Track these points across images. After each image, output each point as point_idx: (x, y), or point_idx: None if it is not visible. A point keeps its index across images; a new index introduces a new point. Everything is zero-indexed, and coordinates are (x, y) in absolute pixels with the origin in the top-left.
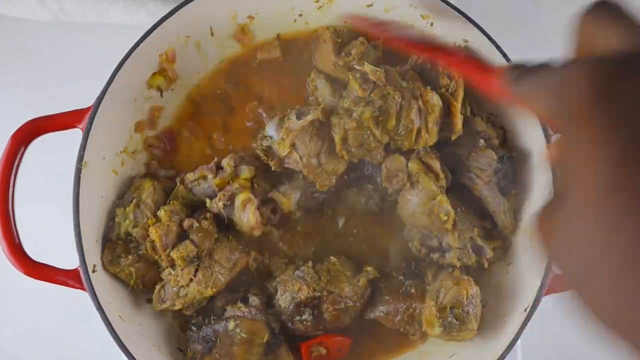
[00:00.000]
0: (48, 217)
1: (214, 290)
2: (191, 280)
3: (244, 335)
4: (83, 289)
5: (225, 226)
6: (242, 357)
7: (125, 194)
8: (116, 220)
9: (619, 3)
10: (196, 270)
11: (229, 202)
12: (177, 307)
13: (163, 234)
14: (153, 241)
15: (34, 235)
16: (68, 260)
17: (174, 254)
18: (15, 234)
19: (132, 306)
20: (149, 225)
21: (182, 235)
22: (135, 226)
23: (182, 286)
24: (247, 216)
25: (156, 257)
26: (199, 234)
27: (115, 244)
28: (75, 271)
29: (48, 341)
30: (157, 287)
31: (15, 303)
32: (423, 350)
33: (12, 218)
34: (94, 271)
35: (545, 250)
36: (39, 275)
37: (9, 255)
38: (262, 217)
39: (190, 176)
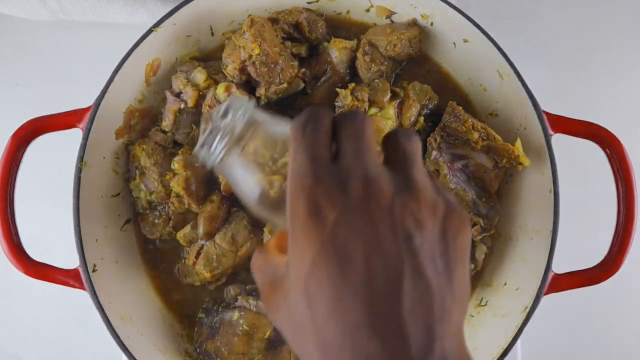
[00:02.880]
0: (48, 217)
1: (215, 272)
2: (194, 263)
3: (245, 327)
4: (83, 288)
5: (239, 204)
6: (241, 349)
7: (129, 165)
8: (133, 195)
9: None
10: (198, 253)
11: (215, 105)
12: (197, 284)
13: (185, 185)
14: (178, 194)
15: (34, 235)
16: (68, 260)
17: (178, 235)
18: (15, 233)
19: (132, 306)
20: (169, 182)
21: (206, 177)
22: (151, 193)
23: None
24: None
25: (186, 207)
26: (203, 217)
27: (145, 215)
28: (75, 271)
29: (48, 340)
30: (180, 264)
31: (15, 302)
32: None
33: (12, 218)
34: (94, 271)
35: (268, 314)
36: (39, 275)
37: (9, 255)
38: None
39: (165, 123)
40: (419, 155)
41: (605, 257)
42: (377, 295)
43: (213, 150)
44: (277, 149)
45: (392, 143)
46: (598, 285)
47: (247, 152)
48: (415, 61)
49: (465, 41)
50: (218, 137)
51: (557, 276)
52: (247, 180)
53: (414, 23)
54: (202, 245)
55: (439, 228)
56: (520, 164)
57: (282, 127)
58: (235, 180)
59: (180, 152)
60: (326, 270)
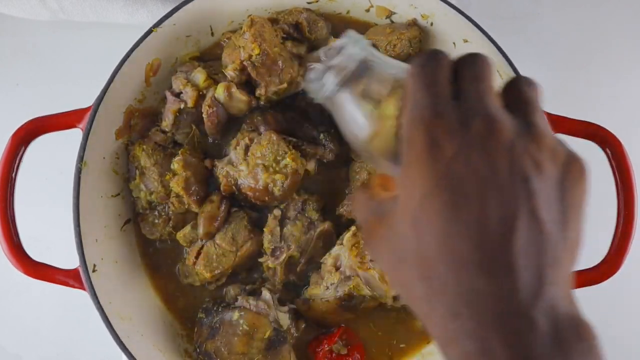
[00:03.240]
0: (48, 217)
1: (215, 272)
2: (194, 263)
3: (245, 327)
4: (83, 288)
5: (239, 204)
6: (241, 349)
7: (129, 165)
8: (133, 195)
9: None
10: (199, 253)
11: (215, 105)
12: (197, 284)
13: (185, 185)
14: (178, 194)
15: (34, 235)
16: (68, 260)
17: (179, 235)
18: (15, 233)
19: (132, 306)
20: (169, 182)
21: (206, 177)
22: (151, 193)
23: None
24: (237, 96)
25: (186, 207)
26: (203, 217)
27: (145, 215)
28: (75, 271)
29: (48, 340)
30: (180, 264)
31: (15, 302)
32: (425, 351)
33: (12, 218)
34: (94, 271)
35: (369, 247)
36: (38, 275)
37: (9, 255)
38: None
39: (165, 123)
40: (541, 102)
41: (605, 257)
42: (489, 233)
43: (325, 85)
44: (391, 88)
45: (513, 89)
46: (598, 285)
47: (359, 89)
48: None
49: (465, 41)
50: (332, 72)
51: None
52: (356, 117)
53: (414, 23)
54: (202, 245)
55: (558, 174)
56: None
57: (397, 67)
58: (343, 117)
59: (180, 152)
60: (439, 203)
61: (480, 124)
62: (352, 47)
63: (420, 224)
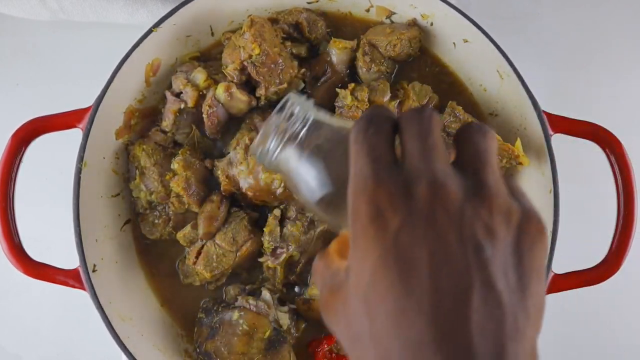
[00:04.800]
0: (48, 217)
1: (215, 272)
2: (194, 263)
3: (245, 327)
4: (83, 288)
5: (239, 204)
6: (241, 349)
7: (129, 165)
8: (133, 195)
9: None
10: (199, 253)
11: (215, 105)
12: (197, 284)
13: (185, 185)
14: (178, 194)
15: (34, 235)
16: (68, 260)
17: (179, 235)
18: (15, 233)
19: (132, 306)
20: (169, 182)
21: (206, 177)
22: (151, 193)
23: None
24: (237, 96)
25: (186, 207)
26: (203, 217)
27: (145, 215)
28: (75, 271)
29: (48, 340)
30: (180, 264)
31: (15, 302)
32: None
33: (12, 218)
34: (94, 271)
35: (326, 321)
36: (38, 275)
37: (9, 255)
38: (246, 92)
39: (165, 124)
40: (493, 153)
41: (605, 257)
42: (443, 309)
43: (269, 148)
44: (337, 149)
45: (464, 139)
46: (598, 285)
47: (306, 150)
48: (416, 61)
49: (465, 41)
50: (273, 134)
51: (557, 276)
52: (305, 179)
53: (414, 23)
54: (202, 245)
55: (513, 237)
56: (520, 164)
57: (342, 126)
58: (293, 179)
59: (180, 152)
60: (387, 279)
61: (424, 189)
62: (294, 107)
63: (371, 302)
